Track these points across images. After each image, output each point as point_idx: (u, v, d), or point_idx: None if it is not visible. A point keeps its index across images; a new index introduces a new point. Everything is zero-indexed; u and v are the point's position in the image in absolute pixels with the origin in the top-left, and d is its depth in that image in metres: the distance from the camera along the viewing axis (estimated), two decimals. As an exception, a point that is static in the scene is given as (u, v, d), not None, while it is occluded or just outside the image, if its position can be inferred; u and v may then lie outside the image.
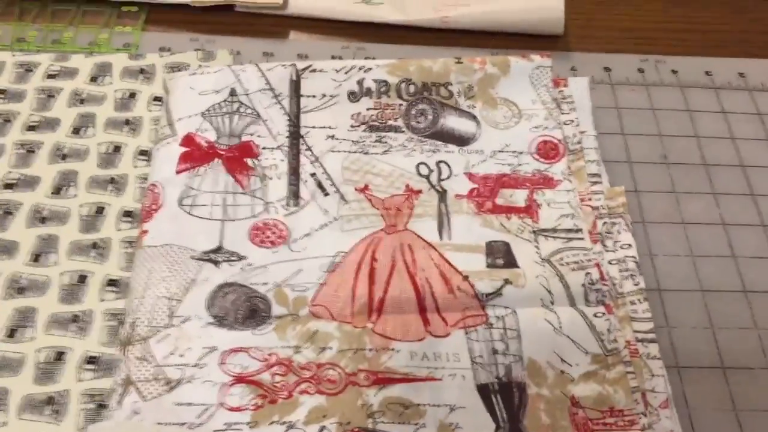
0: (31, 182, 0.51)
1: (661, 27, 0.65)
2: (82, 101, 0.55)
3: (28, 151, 0.52)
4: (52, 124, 0.54)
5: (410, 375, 0.43)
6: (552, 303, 0.45)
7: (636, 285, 0.47)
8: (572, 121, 0.54)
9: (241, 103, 0.53)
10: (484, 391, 0.42)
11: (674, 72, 0.61)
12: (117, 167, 0.52)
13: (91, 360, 0.44)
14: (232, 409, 0.41)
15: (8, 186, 0.50)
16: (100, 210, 0.50)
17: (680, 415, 0.43)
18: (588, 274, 0.46)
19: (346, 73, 0.54)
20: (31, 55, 0.58)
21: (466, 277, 0.46)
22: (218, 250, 0.47)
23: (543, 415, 0.42)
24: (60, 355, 0.44)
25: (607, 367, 0.43)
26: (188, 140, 0.51)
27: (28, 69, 0.57)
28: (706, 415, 0.44)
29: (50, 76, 0.56)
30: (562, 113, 0.54)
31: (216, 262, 0.46)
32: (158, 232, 0.47)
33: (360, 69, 0.55)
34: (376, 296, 0.45)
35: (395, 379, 0.42)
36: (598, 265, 0.47)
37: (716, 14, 0.66)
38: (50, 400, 0.42)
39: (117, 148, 0.53)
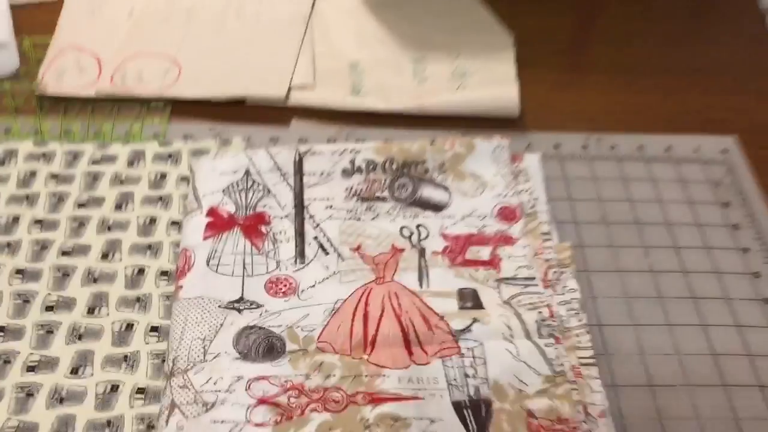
0: (83, 249, 0.57)
1: (603, 109, 0.70)
2: (121, 182, 0.61)
3: (80, 224, 0.58)
4: (98, 201, 0.60)
5: (399, 395, 0.48)
6: (512, 336, 0.50)
7: (580, 321, 0.52)
8: (527, 189, 0.59)
9: (254, 181, 0.59)
10: (457, 407, 0.48)
11: (612, 147, 0.65)
12: (153, 235, 0.58)
13: (140, 390, 0.49)
14: (257, 425, 0.46)
15: (65, 253, 0.57)
16: (141, 271, 0.56)
17: (615, 424, 0.48)
18: (540, 312, 0.52)
19: (340, 154, 0.60)
20: (76, 144, 0.64)
21: (442, 317, 0.51)
22: (240, 300, 0.52)
23: (505, 424, 0.47)
24: (115, 388, 0.49)
25: (556, 385, 0.48)
26: (212, 212, 0.57)
27: (75, 156, 0.63)
28: (636, 423, 0.49)
29: (94, 162, 0.62)
30: (519, 184, 0.60)
31: (239, 310, 0.52)
32: (191, 287, 0.53)
33: (351, 151, 0.60)
34: (370, 334, 0.51)
35: (387, 398, 0.48)
36: (548, 306, 0.52)
37: (649, 98, 0.71)
38: (108, 424, 0.48)
39: (153, 220, 0.59)
